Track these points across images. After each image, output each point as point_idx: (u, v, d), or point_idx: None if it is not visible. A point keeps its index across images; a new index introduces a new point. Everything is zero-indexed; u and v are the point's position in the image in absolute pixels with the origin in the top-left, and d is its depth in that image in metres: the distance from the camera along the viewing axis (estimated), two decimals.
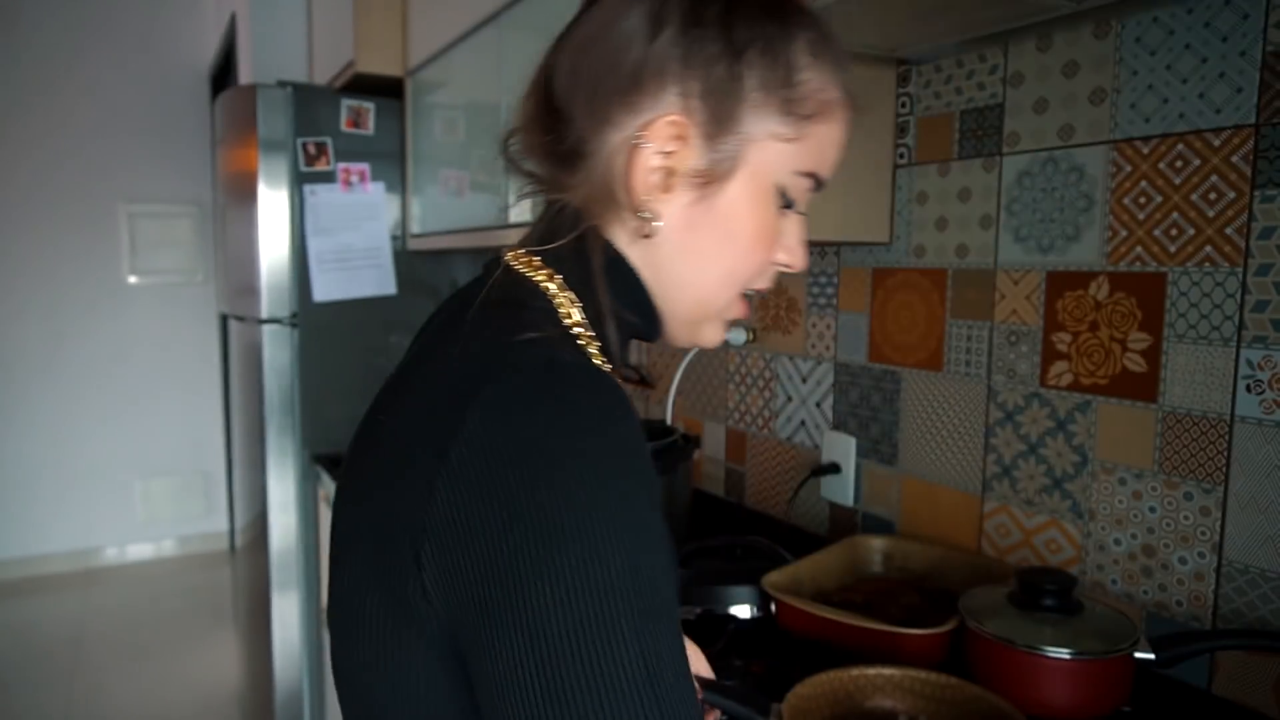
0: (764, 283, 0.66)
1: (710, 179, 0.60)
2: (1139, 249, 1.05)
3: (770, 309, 1.62)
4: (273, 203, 2.26)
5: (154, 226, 4.27)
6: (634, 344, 2.03)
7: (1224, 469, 0.98)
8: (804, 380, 1.56)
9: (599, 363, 0.59)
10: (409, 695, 0.54)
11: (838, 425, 1.49)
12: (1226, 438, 0.97)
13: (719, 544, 1.37)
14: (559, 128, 0.61)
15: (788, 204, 0.63)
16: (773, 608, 1.12)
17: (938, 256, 1.29)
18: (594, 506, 0.48)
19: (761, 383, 1.66)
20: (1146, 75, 1.03)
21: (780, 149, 0.61)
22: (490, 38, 1.76)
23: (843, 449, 1.47)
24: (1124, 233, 1.06)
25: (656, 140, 0.58)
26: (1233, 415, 0.97)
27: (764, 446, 1.66)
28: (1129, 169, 1.05)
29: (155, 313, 4.29)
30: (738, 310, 0.67)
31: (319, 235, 2.28)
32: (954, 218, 1.27)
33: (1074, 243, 1.11)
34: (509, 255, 0.63)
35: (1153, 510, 1.05)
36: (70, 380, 4.15)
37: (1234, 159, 0.95)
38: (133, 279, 4.26)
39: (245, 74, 3.25)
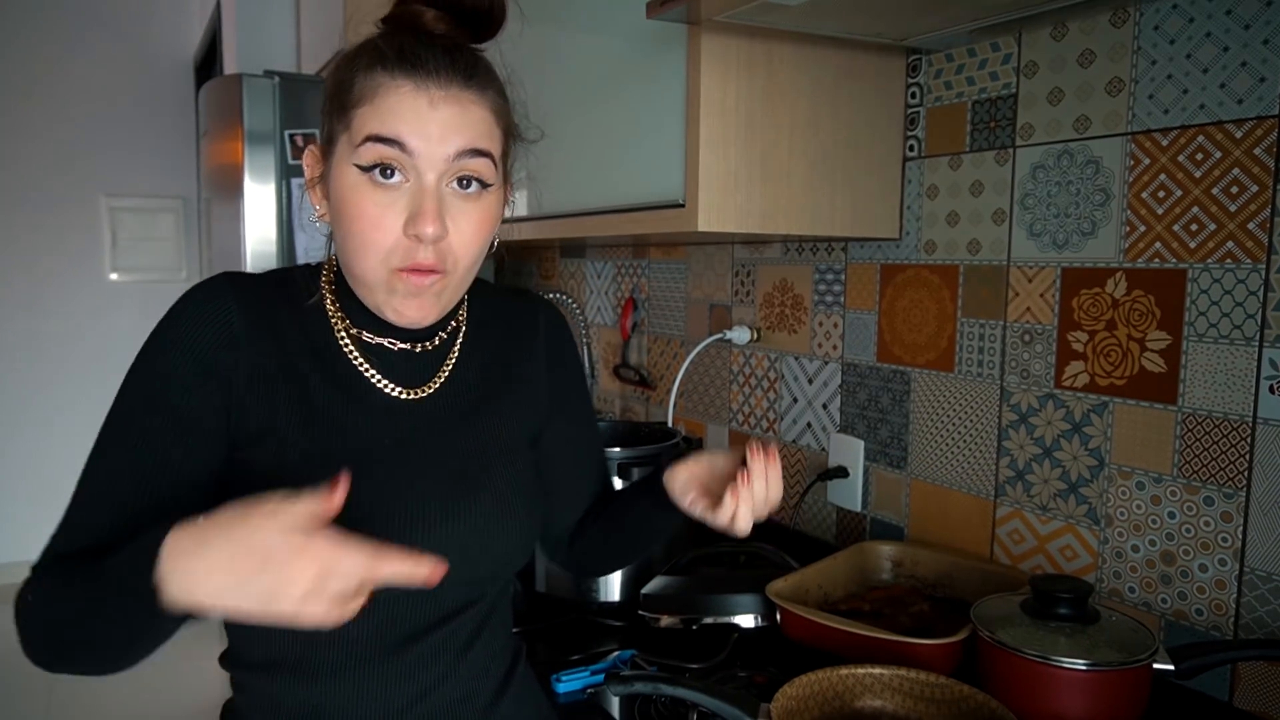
0: (414, 258, 0.73)
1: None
2: (1158, 245, 1.03)
3: (775, 307, 1.60)
4: (259, 197, 2.24)
5: (136, 221, 4.19)
6: (634, 345, 2.02)
7: (1246, 473, 0.96)
8: (810, 381, 1.54)
9: None
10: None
11: (845, 427, 1.47)
12: (1249, 440, 0.96)
13: (722, 551, 1.35)
14: None
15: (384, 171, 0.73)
16: (778, 617, 1.11)
17: (949, 252, 1.28)
18: None
19: (766, 383, 1.64)
20: (1165, 65, 1.01)
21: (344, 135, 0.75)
22: None
23: (850, 452, 1.45)
24: (1142, 228, 1.04)
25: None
26: (1255, 417, 0.95)
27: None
28: (1147, 162, 1.03)
29: (138, 311, 4.16)
30: (400, 283, 0.75)
31: (307, 230, 2.27)
32: (965, 212, 1.25)
33: (1090, 238, 1.09)
34: None
35: (1172, 516, 1.03)
36: (50, 381, 4.07)
37: (1256, 151, 0.94)
38: (114, 276, 4.18)
39: (230, 63, 3.22)
